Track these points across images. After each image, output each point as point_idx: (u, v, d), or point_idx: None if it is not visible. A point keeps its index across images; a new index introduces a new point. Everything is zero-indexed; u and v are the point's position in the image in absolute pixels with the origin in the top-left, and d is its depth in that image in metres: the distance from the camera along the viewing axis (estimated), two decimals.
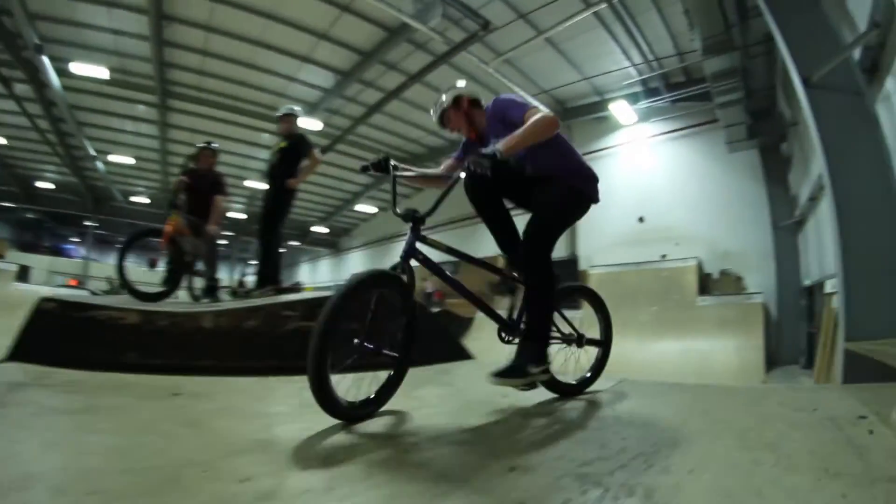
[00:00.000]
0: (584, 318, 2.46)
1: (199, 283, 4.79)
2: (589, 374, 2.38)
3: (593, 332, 2.44)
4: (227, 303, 4.20)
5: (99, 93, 12.03)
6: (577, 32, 9.40)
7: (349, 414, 1.63)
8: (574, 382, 2.30)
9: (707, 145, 10.72)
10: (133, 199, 20.93)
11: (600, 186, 2.19)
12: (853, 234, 3.76)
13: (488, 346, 3.03)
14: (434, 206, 1.95)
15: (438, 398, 2.24)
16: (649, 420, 1.81)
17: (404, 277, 1.81)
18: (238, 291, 5.79)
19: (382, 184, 18.58)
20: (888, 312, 3.59)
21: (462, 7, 8.53)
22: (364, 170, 2.20)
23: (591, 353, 2.42)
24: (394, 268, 1.81)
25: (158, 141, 14.98)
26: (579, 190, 2.13)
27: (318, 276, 27.75)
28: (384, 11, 8.45)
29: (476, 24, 8.98)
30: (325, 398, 1.53)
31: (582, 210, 2.17)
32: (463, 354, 3.55)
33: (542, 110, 1.98)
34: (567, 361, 2.30)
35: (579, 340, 2.33)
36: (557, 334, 2.23)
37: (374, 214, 22.28)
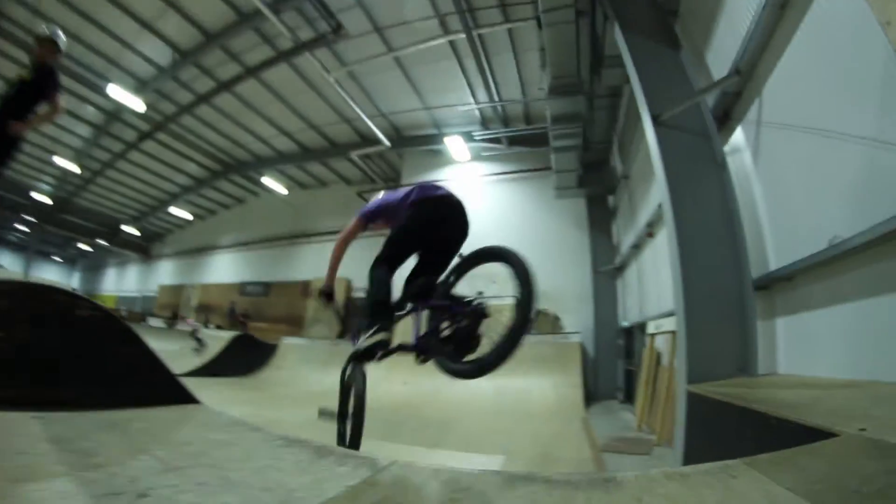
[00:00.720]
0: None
1: None
2: (491, 350, 1.88)
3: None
4: None
5: None
6: (429, 59, 9.21)
7: None
8: (466, 362, 1.97)
9: (536, 191, 11.43)
10: None
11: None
12: (694, 269, 3.67)
13: (289, 376, 1.97)
14: None
15: None
16: None
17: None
18: None
19: (201, 188, 17.11)
20: (727, 353, 3.53)
21: (319, 5, 7.70)
22: None
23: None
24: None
25: None
26: (400, 228, 2.48)
27: (126, 283, 24.55)
28: None
29: (329, 27, 8.22)
30: None
31: (416, 233, 2.49)
32: (177, 395, 2.17)
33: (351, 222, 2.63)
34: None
35: (465, 309, 2.12)
36: (445, 318, 2.16)
37: (189, 222, 19.85)
